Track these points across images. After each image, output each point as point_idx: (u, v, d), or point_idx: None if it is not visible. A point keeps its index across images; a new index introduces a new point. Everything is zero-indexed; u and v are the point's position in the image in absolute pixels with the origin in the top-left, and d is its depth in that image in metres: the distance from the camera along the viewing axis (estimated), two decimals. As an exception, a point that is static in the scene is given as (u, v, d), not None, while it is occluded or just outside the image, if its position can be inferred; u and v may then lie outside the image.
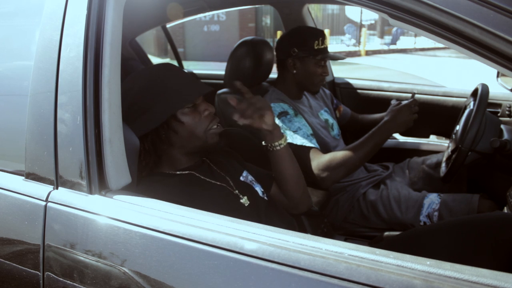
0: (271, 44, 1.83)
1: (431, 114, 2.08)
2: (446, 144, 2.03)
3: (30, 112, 0.92)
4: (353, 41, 15.07)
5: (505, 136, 1.42)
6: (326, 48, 1.73)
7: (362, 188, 1.74)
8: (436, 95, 2.12)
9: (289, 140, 1.54)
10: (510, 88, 1.42)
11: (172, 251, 0.74)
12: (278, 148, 1.14)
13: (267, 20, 13.30)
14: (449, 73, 9.10)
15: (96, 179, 0.86)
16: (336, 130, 1.87)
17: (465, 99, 2.00)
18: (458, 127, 1.54)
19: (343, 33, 15.58)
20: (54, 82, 0.89)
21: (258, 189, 1.18)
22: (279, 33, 11.52)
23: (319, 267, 0.63)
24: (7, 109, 1.05)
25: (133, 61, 2.44)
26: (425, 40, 15.09)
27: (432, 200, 1.62)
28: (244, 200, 1.09)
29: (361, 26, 15.15)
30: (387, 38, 16.39)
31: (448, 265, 0.60)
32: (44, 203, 0.88)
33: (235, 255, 0.69)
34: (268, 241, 0.69)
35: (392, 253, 0.63)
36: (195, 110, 1.06)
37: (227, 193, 1.08)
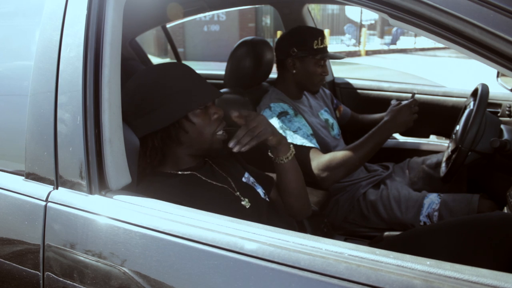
0: (271, 44, 1.83)
1: (431, 114, 2.08)
2: (446, 144, 2.03)
3: (30, 112, 0.92)
4: (353, 41, 15.07)
5: (505, 136, 1.42)
6: (325, 47, 1.73)
7: (362, 188, 1.74)
8: (436, 95, 2.12)
9: (289, 140, 1.54)
10: (510, 88, 1.42)
11: (172, 251, 0.74)
12: (285, 160, 1.13)
13: (267, 20, 13.30)
14: (449, 73, 9.10)
15: (96, 179, 0.86)
16: (336, 130, 1.87)
17: (465, 99, 2.00)
18: (458, 127, 1.54)
19: (343, 33, 15.59)
20: (54, 82, 0.89)
21: (260, 190, 1.17)
22: (279, 33, 11.52)
23: (319, 267, 0.63)
24: (7, 109, 1.05)
25: (133, 61, 2.44)
26: (425, 40, 15.09)
27: (432, 200, 1.62)
28: (246, 202, 1.09)
29: (361, 26, 15.15)
30: (387, 38, 16.39)
31: (448, 265, 0.60)
32: (44, 203, 0.88)
33: (235, 255, 0.69)
34: (268, 241, 0.69)
35: (392, 253, 0.63)
36: (205, 112, 1.06)
37: (228, 194, 1.08)
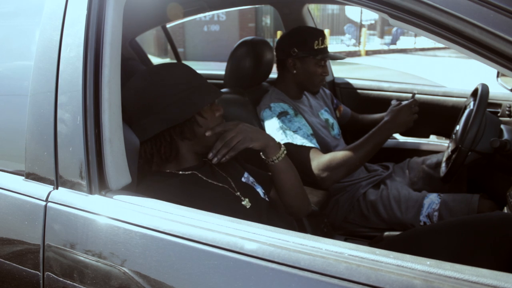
0: (271, 44, 1.83)
1: (431, 114, 2.08)
2: (446, 144, 2.03)
3: (30, 112, 0.92)
4: (353, 41, 15.07)
5: (505, 136, 1.42)
6: (326, 48, 1.73)
7: (362, 188, 1.74)
8: (436, 95, 2.12)
9: (289, 140, 1.54)
10: (510, 88, 1.42)
11: (172, 251, 0.74)
12: (275, 161, 1.13)
13: (267, 20, 13.30)
14: (449, 73, 9.10)
15: (96, 179, 0.86)
16: (336, 130, 1.87)
17: (465, 99, 2.00)
18: (458, 127, 1.54)
19: (343, 33, 15.58)
20: (54, 82, 0.89)
21: (260, 190, 1.18)
22: (279, 33, 11.52)
23: (319, 267, 0.63)
24: (7, 109, 1.05)
25: (133, 61, 2.44)
26: (425, 40, 15.09)
27: (432, 200, 1.62)
28: (246, 202, 1.09)
29: (361, 26, 15.15)
30: (387, 38, 16.39)
31: (448, 265, 0.60)
32: (44, 203, 0.88)
33: (235, 255, 0.69)
34: (268, 241, 0.69)
35: (392, 253, 0.63)
36: (211, 109, 1.09)
37: (229, 194, 1.08)
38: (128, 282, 0.77)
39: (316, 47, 1.69)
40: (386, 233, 1.63)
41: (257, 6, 9.57)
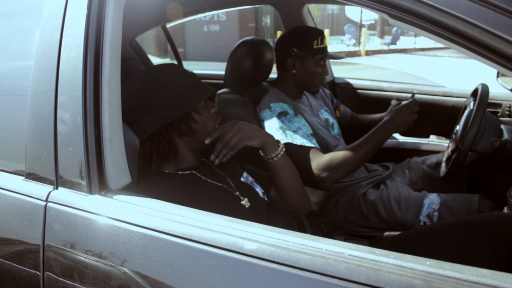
0: (271, 44, 1.83)
1: (431, 114, 2.08)
2: (446, 144, 2.03)
3: (30, 112, 0.92)
4: (353, 41, 15.06)
5: (505, 136, 1.42)
6: (325, 47, 1.73)
7: (362, 188, 1.74)
8: (436, 95, 2.12)
9: (289, 140, 1.54)
10: (510, 88, 1.42)
11: (172, 251, 0.74)
12: (274, 159, 1.14)
13: (267, 20, 13.30)
14: (449, 73, 9.10)
15: (96, 179, 0.86)
16: (336, 130, 1.87)
17: (465, 99, 2.00)
18: (458, 127, 1.54)
19: (343, 33, 15.58)
20: (54, 82, 0.89)
21: (259, 190, 1.18)
22: (279, 33, 11.52)
23: (319, 267, 0.63)
24: (7, 109, 1.05)
25: (133, 61, 2.44)
26: (425, 40, 15.09)
27: (432, 200, 1.62)
28: (245, 202, 1.09)
29: (361, 26, 15.15)
30: (387, 38, 16.39)
31: (448, 265, 0.60)
32: (44, 203, 0.88)
33: (235, 255, 0.69)
34: (268, 241, 0.69)
35: (392, 253, 0.63)
36: (205, 106, 1.10)
37: (228, 194, 1.08)
38: (128, 282, 0.77)
39: (315, 47, 1.69)
40: (386, 233, 1.63)
41: (257, 6, 9.57)
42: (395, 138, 2.26)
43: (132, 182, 0.94)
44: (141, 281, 0.75)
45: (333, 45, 14.71)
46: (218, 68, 2.68)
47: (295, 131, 1.57)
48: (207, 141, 1.07)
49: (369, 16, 15.91)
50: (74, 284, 0.82)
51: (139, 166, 1.05)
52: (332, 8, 16.34)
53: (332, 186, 1.72)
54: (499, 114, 1.98)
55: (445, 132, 2.17)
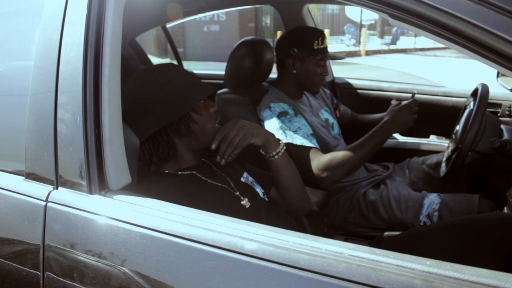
0: (271, 44, 1.83)
1: (431, 114, 2.08)
2: (446, 144, 2.03)
3: (30, 112, 0.92)
4: (353, 41, 15.07)
5: (505, 136, 1.42)
6: (326, 48, 1.73)
7: (362, 188, 1.74)
8: (436, 95, 2.12)
9: (289, 140, 1.54)
10: (510, 88, 1.42)
11: (172, 251, 0.74)
12: (275, 157, 1.14)
13: (267, 20, 13.30)
14: (449, 73, 9.10)
15: (96, 179, 0.86)
16: (336, 130, 1.87)
17: (465, 99, 2.00)
18: (458, 127, 1.54)
19: (343, 33, 15.58)
20: (54, 82, 0.89)
21: (259, 190, 1.18)
22: (279, 33, 11.52)
23: (319, 267, 0.63)
24: (7, 109, 1.05)
25: (133, 61, 2.44)
26: (425, 40, 15.09)
27: (432, 200, 1.62)
28: (245, 202, 1.09)
29: (361, 26, 15.15)
30: (387, 38, 16.39)
31: (448, 265, 0.60)
32: (44, 203, 0.88)
33: (235, 255, 0.69)
34: (268, 241, 0.69)
35: (392, 253, 0.63)
36: (204, 106, 1.10)
37: (228, 194, 1.08)
38: (128, 282, 0.77)
39: (315, 47, 1.69)
40: (386, 233, 1.63)
41: (257, 6, 9.57)
42: (395, 138, 2.26)
43: (132, 182, 0.94)
44: (141, 281, 0.75)
45: (333, 45, 14.70)
46: (218, 68, 2.68)
47: (295, 131, 1.57)
48: (213, 147, 1.08)
49: (369, 16, 15.91)
50: (74, 284, 0.82)
51: (139, 167, 1.05)
52: (332, 8, 16.34)
53: (332, 186, 1.72)
54: (499, 114, 1.98)
55: (445, 132, 2.17)
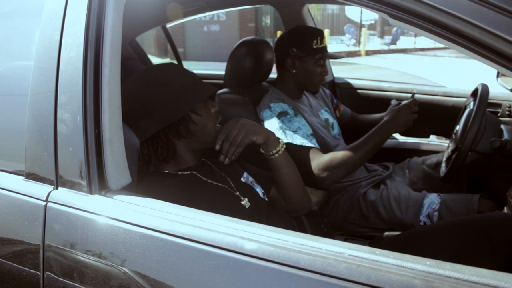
0: (271, 44, 1.83)
1: (431, 114, 2.08)
2: (446, 144, 2.03)
3: (30, 112, 0.92)
4: (353, 41, 15.06)
5: (505, 136, 1.42)
6: (325, 47, 1.73)
7: (362, 188, 1.74)
8: (436, 95, 2.12)
9: (289, 140, 1.54)
10: (510, 88, 1.42)
11: (172, 251, 0.74)
12: (276, 155, 1.14)
13: (267, 20, 13.30)
14: (449, 73, 9.10)
15: (96, 179, 0.86)
16: (336, 130, 1.87)
17: (465, 99, 2.00)
18: (458, 127, 1.54)
19: (343, 33, 15.58)
20: (54, 82, 0.89)
21: (259, 190, 1.18)
22: (279, 33, 11.51)
23: (319, 267, 0.63)
24: (7, 109, 1.05)
25: (133, 61, 2.44)
26: (425, 40, 15.09)
27: (432, 200, 1.62)
28: (245, 202, 1.09)
29: (361, 26, 15.14)
30: (387, 38, 16.39)
31: (448, 265, 0.60)
32: (44, 203, 0.88)
33: (235, 255, 0.69)
34: (268, 241, 0.69)
35: (392, 253, 0.63)
36: (205, 106, 1.09)
37: (228, 194, 1.08)
38: (128, 282, 0.77)
39: (315, 47, 1.69)
40: (386, 233, 1.63)
41: (257, 6, 9.57)
42: (395, 138, 2.26)
43: (132, 182, 0.94)
44: (141, 281, 0.75)
45: (333, 45, 14.71)
46: (218, 68, 2.68)
47: (295, 131, 1.57)
48: (217, 147, 1.08)
49: (369, 16, 15.91)
50: (74, 284, 0.82)
51: (138, 167, 1.04)
52: (332, 8, 16.34)
53: (332, 186, 1.72)
54: (499, 114, 1.98)
55: (445, 132, 2.17)
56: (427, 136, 2.23)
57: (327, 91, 2.06)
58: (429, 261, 0.61)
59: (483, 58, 0.68)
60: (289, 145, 1.52)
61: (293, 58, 1.72)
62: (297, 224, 1.27)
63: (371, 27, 17.10)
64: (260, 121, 1.69)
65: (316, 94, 1.91)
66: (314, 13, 14.67)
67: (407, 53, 14.52)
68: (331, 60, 2.20)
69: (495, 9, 0.64)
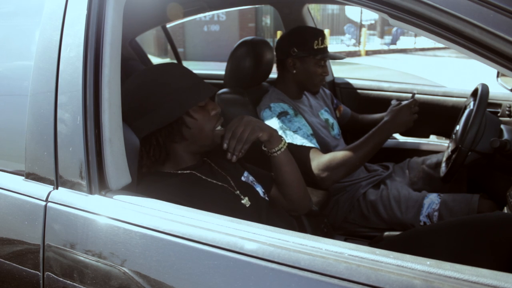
0: (271, 44, 1.83)
1: (431, 114, 2.08)
2: (446, 144, 2.03)
3: (30, 112, 0.92)
4: (353, 41, 15.06)
5: (505, 136, 1.42)
6: (326, 47, 1.73)
7: (362, 188, 1.74)
8: (436, 95, 2.12)
9: (289, 140, 1.54)
10: (510, 88, 1.42)
11: (172, 251, 0.74)
12: (278, 153, 1.15)
13: (267, 20, 13.30)
14: (449, 73, 9.10)
15: (96, 179, 0.86)
16: (336, 130, 1.87)
17: (465, 99, 2.00)
18: (458, 127, 1.54)
19: (343, 33, 15.58)
20: (54, 82, 0.89)
21: (259, 189, 1.18)
22: (279, 33, 11.52)
23: (319, 267, 0.63)
24: (7, 109, 1.05)
25: (133, 61, 2.44)
26: (425, 40, 15.09)
27: (432, 200, 1.62)
28: (245, 201, 1.09)
29: (361, 26, 15.14)
30: (387, 38, 16.38)
31: (448, 265, 0.60)
32: (44, 203, 0.88)
33: (235, 255, 0.69)
34: (268, 241, 0.69)
35: (392, 253, 0.63)
36: (204, 108, 1.08)
37: (228, 193, 1.08)
38: (128, 282, 0.77)
39: (315, 47, 1.69)
40: (386, 233, 1.63)
41: (257, 6, 9.57)
42: (395, 138, 2.26)
43: (132, 182, 0.94)
44: (141, 281, 0.75)
45: (333, 45, 14.70)
46: (218, 68, 2.68)
47: (295, 131, 1.57)
48: (225, 146, 1.08)
49: (369, 16, 15.90)
50: (74, 284, 0.82)
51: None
52: (332, 8, 16.34)
53: (332, 186, 1.72)
54: (499, 114, 1.98)
55: (445, 132, 2.17)
56: (427, 136, 2.23)
57: (327, 91, 2.06)
58: (429, 261, 0.61)
59: (483, 58, 0.68)
60: (289, 145, 1.52)
61: (294, 58, 1.72)
62: (297, 224, 1.27)
63: (371, 27, 17.09)
64: (260, 121, 1.69)
65: (316, 94, 1.91)
66: (314, 13, 14.67)
67: (407, 53, 14.52)
68: (331, 60, 2.20)
69: (495, 9, 0.64)
